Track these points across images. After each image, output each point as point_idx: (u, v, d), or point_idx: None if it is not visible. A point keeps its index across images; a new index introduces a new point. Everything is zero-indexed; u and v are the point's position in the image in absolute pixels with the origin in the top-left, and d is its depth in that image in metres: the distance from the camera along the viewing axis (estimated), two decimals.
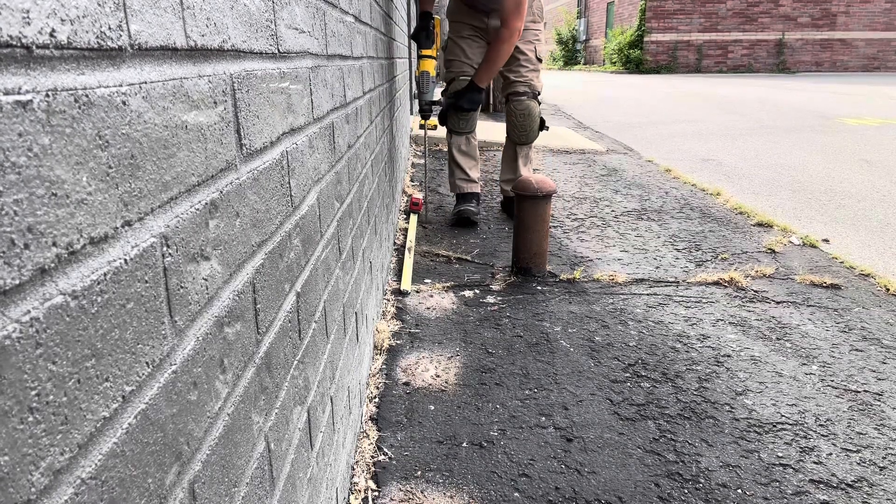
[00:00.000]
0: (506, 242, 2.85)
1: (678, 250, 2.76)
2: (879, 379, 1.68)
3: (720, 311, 2.12)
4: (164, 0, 0.45)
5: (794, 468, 1.33)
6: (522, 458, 1.36)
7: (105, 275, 0.37)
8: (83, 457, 0.35)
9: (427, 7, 3.00)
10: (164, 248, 0.45)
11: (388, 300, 2.22)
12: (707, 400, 1.58)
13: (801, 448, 1.39)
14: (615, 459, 1.36)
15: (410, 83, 5.46)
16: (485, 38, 3.07)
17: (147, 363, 0.42)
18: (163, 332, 0.45)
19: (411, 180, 4.27)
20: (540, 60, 3.08)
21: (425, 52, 2.96)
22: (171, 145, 0.46)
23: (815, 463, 1.34)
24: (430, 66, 2.96)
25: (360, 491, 1.25)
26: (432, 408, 1.55)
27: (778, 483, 1.28)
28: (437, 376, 1.70)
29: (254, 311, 0.64)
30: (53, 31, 0.32)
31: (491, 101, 8.27)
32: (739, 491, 1.26)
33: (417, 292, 2.30)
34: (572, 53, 31.17)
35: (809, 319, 2.05)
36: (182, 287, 0.48)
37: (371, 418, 1.51)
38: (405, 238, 2.90)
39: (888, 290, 2.27)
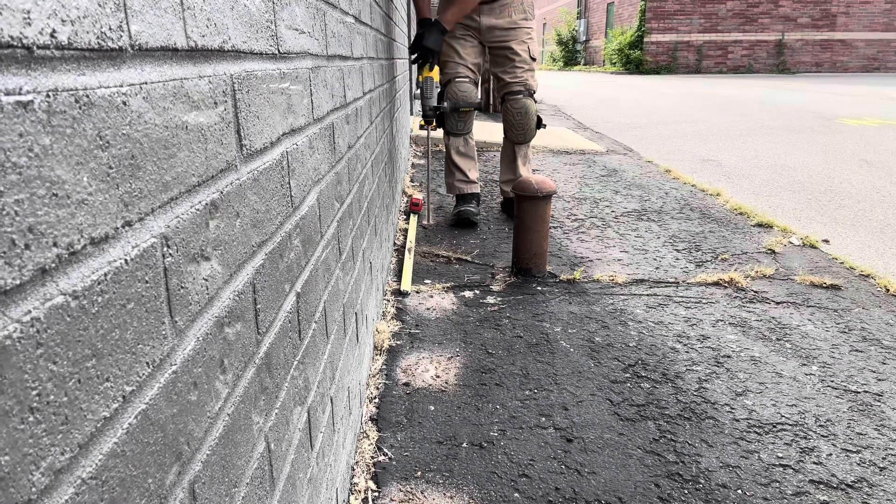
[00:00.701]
0: (506, 243, 2.85)
1: (678, 251, 2.77)
2: (879, 379, 1.68)
3: (720, 311, 2.12)
4: (164, 1, 0.45)
5: (794, 469, 1.33)
6: (522, 458, 1.36)
7: (105, 275, 0.37)
8: (84, 457, 0.35)
9: (425, 13, 2.94)
10: (165, 249, 0.45)
11: (388, 300, 2.22)
12: (707, 400, 1.58)
13: (801, 448, 1.39)
14: (615, 460, 1.36)
15: (410, 83, 5.46)
16: (478, 38, 3.06)
17: (147, 363, 0.42)
18: (163, 333, 0.45)
19: (411, 181, 4.27)
20: (534, 59, 3.07)
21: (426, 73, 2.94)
22: (172, 146, 0.46)
23: (815, 463, 1.34)
24: (435, 73, 2.95)
25: (360, 491, 1.25)
26: (432, 408, 1.55)
27: (778, 483, 1.28)
28: (437, 377, 1.70)
29: (254, 311, 0.64)
30: (54, 31, 0.32)
31: (490, 102, 8.27)
32: (739, 491, 1.26)
33: (417, 293, 2.30)
34: (572, 54, 31.18)
35: (809, 320, 2.05)
36: (182, 287, 0.48)
37: (371, 419, 1.51)
38: (405, 238, 2.90)
39: (888, 290, 2.27)
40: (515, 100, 3.03)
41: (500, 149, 3.58)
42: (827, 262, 2.59)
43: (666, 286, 2.36)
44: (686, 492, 1.26)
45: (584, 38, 30.40)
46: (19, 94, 0.30)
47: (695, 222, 3.21)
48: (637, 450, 1.39)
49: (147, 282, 0.42)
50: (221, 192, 0.56)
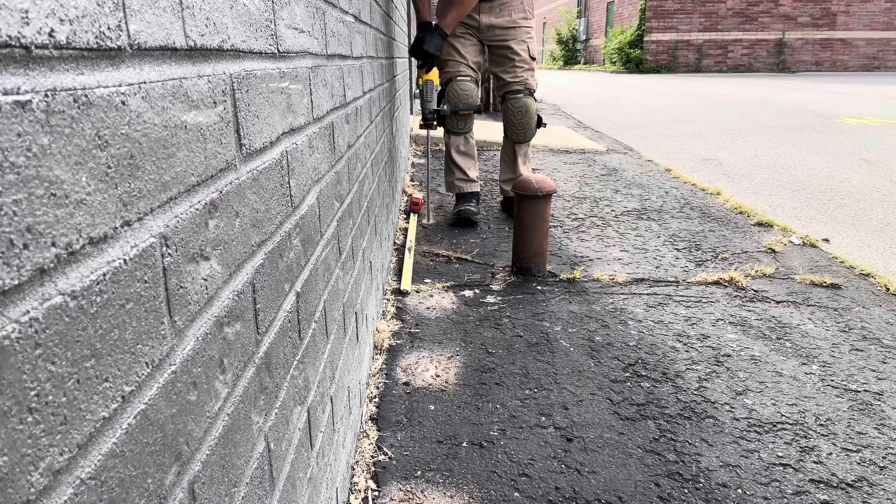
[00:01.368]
0: (506, 242, 2.85)
1: (678, 250, 2.76)
2: (879, 379, 1.68)
3: (720, 310, 2.12)
4: (163, 0, 0.45)
5: (794, 468, 1.33)
6: (522, 457, 1.36)
7: (104, 275, 0.37)
8: (83, 457, 0.35)
9: (425, 17, 2.92)
10: (164, 249, 0.45)
11: (388, 300, 2.22)
12: (707, 399, 1.58)
13: (801, 448, 1.39)
14: (615, 459, 1.35)
15: (410, 83, 5.46)
16: (477, 36, 3.06)
17: (146, 363, 0.42)
18: (162, 333, 0.45)
19: (411, 180, 4.27)
20: (533, 59, 3.06)
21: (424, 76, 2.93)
22: (171, 145, 0.46)
23: (815, 463, 1.34)
24: (434, 76, 2.95)
25: (360, 491, 1.25)
26: (432, 408, 1.55)
27: (778, 483, 1.28)
28: (437, 376, 1.70)
29: (253, 311, 0.64)
30: (52, 31, 0.32)
31: (490, 101, 8.27)
32: (739, 491, 1.26)
33: (417, 292, 2.30)
34: (572, 53, 31.17)
35: (809, 319, 2.05)
36: (182, 287, 0.48)
37: (371, 418, 1.51)
38: (405, 238, 2.90)
39: (888, 289, 2.27)
40: (516, 99, 3.03)
41: (500, 148, 3.57)
42: (827, 261, 2.59)
43: (666, 285, 2.35)
44: (686, 491, 1.26)
45: (584, 37, 30.38)
46: (17, 93, 0.30)
47: (695, 221, 3.21)
48: (637, 449, 1.39)
49: (146, 282, 0.42)
50: (221, 192, 0.56)
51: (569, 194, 3.84)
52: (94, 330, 0.36)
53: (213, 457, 0.53)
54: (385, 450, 1.38)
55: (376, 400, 1.58)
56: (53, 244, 0.33)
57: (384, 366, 1.76)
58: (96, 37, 0.37)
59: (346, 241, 1.27)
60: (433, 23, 2.85)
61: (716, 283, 2.36)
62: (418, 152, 5.47)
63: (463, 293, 2.28)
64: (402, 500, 1.23)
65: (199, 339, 0.51)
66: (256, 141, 0.66)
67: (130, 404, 0.40)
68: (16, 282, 0.30)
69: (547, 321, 2.04)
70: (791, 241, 2.83)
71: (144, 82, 0.42)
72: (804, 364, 1.76)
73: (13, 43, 0.30)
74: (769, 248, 2.74)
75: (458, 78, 3.03)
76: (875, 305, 2.15)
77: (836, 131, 6.46)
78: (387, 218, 2.36)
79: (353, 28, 1.42)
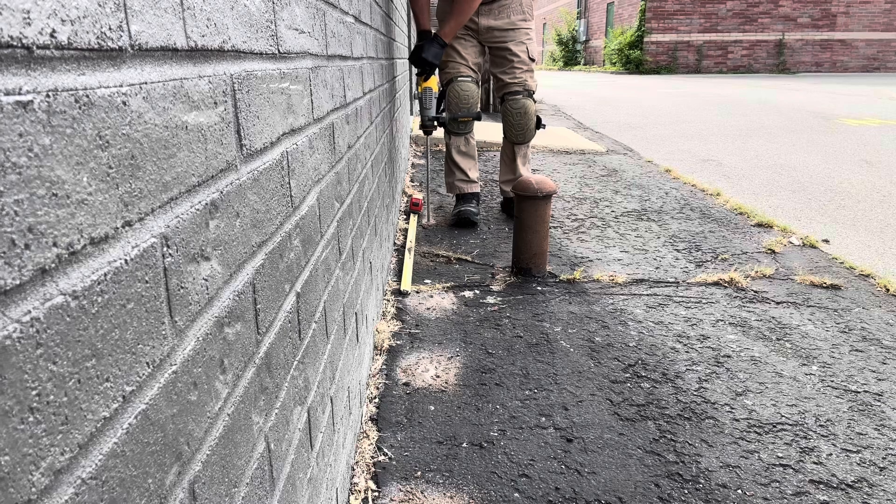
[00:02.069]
0: (506, 243, 2.85)
1: (678, 251, 2.77)
2: (879, 379, 1.68)
3: (720, 311, 2.12)
4: (164, 1, 0.45)
5: (794, 468, 1.33)
6: (522, 458, 1.36)
7: (105, 275, 0.37)
8: (83, 457, 0.35)
9: (425, 25, 2.92)
10: (165, 249, 0.45)
11: (388, 300, 2.22)
12: (707, 400, 1.58)
13: (801, 448, 1.39)
14: (615, 460, 1.35)
15: (410, 83, 5.46)
16: (477, 38, 3.07)
17: (147, 363, 0.42)
18: (163, 333, 0.45)
19: (411, 181, 4.27)
20: (532, 60, 3.07)
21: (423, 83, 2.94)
22: (172, 146, 0.46)
23: (815, 463, 1.34)
24: (433, 83, 2.95)
25: (360, 491, 1.25)
26: (432, 408, 1.55)
27: (778, 483, 1.28)
28: (437, 377, 1.70)
29: (254, 311, 0.64)
30: (54, 31, 0.32)
31: (490, 102, 8.27)
32: (739, 491, 1.26)
33: (417, 293, 2.30)
34: (572, 54, 31.19)
35: (809, 320, 2.05)
36: (182, 287, 0.48)
37: (371, 418, 1.51)
38: (405, 238, 2.90)
39: (888, 290, 2.27)
40: (514, 100, 3.03)
41: (500, 149, 3.58)
42: (827, 261, 2.59)
43: (666, 286, 2.36)
44: (686, 492, 1.26)
45: (584, 38, 30.40)
46: (19, 94, 0.30)
47: (695, 222, 3.21)
48: (637, 450, 1.39)
49: (147, 282, 0.42)
50: (221, 192, 0.56)
51: (569, 195, 3.84)
52: (95, 330, 0.36)
53: (213, 457, 0.53)
54: (385, 450, 1.38)
55: (376, 400, 1.58)
56: (55, 244, 0.33)
57: (384, 366, 1.76)
58: (98, 37, 0.37)
59: (347, 241, 1.27)
60: (432, 31, 2.87)
61: (716, 283, 2.36)
62: (418, 153, 5.47)
63: (463, 294, 2.28)
64: (402, 501, 1.23)
65: (200, 339, 0.51)
66: (257, 141, 0.66)
67: (131, 404, 0.40)
68: (17, 282, 0.30)
69: (547, 322, 2.04)
70: (791, 242, 2.83)
71: (145, 83, 0.43)
72: (804, 365, 1.76)
73: (15, 43, 0.30)
74: (769, 249, 2.74)
75: (459, 79, 3.04)
76: (875, 306, 2.15)
77: (836, 132, 6.46)
78: (387, 218, 2.37)
79: (354, 29, 1.42)
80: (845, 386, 1.65)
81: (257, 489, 0.64)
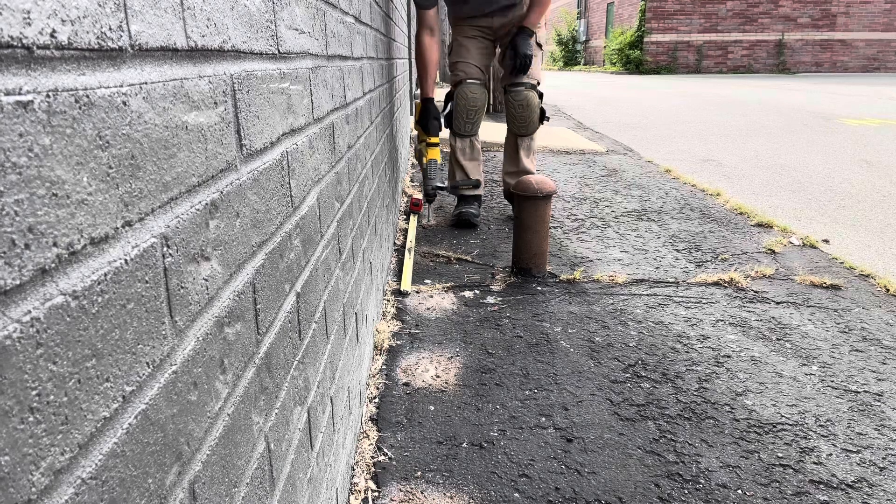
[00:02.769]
0: (506, 243, 2.85)
1: (678, 251, 2.77)
2: (879, 379, 1.68)
3: (720, 311, 2.12)
4: (164, 1, 0.45)
5: (794, 469, 1.33)
6: (522, 458, 1.36)
7: (105, 275, 0.37)
8: (83, 457, 0.35)
9: (429, 93, 2.95)
10: (165, 249, 0.45)
11: (388, 300, 2.22)
12: (707, 400, 1.58)
13: (801, 448, 1.39)
14: (615, 460, 1.36)
15: (410, 83, 5.46)
16: (490, 38, 3.08)
17: (147, 363, 0.42)
18: (163, 333, 0.45)
19: (411, 181, 4.27)
20: (540, 46, 3.05)
21: (432, 139, 2.94)
22: (172, 146, 0.46)
23: (815, 463, 1.34)
24: (437, 154, 2.97)
25: (360, 491, 1.25)
26: (432, 408, 1.55)
27: (778, 483, 1.28)
28: (437, 377, 1.70)
29: (254, 311, 0.64)
30: (54, 31, 0.32)
31: (491, 102, 8.25)
32: (739, 491, 1.26)
33: (417, 293, 2.30)
34: (572, 54, 31.19)
35: (809, 320, 2.05)
36: (182, 287, 0.48)
37: (371, 419, 1.51)
38: (405, 238, 2.90)
39: (888, 290, 2.27)
40: (517, 91, 3.01)
41: (500, 148, 3.58)
42: (827, 262, 2.59)
43: (666, 286, 2.36)
44: (686, 492, 1.26)
45: (584, 38, 30.40)
46: (19, 94, 0.30)
47: (695, 222, 3.21)
48: (637, 450, 1.39)
49: (147, 282, 0.42)
50: (221, 192, 0.56)
51: (569, 195, 3.84)
52: (95, 330, 0.36)
53: (213, 457, 0.53)
54: (385, 450, 1.38)
55: (376, 400, 1.58)
56: (55, 244, 0.33)
57: (384, 366, 1.76)
58: (98, 37, 0.37)
59: (347, 241, 1.27)
60: (434, 100, 2.96)
61: (716, 283, 2.36)
62: None
63: (463, 294, 2.28)
64: (402, 501, 1.23)
65: (200, 339, 0.51)
66: (257, 141, 0.66)
67: (131, 404, 0.40)
68: (17, 282, 0.30)
69: (547, 322, 2.04)
70: (791, 242, 2.83)
71: (145, 83, 0.43)
72: (804, 365, 1.76)
73: (15, 43, 0.30)
74: (769, 249, 2.74)
75: (469, 81, 3.04)
76: (875, 306, 2.15)
77: (836, 132, 6.46)
78: (387, 218, 2.37)
79: (354, 29, 1.42)
80: (845, 386, 1.65)
81: (257, 489, 0.64)
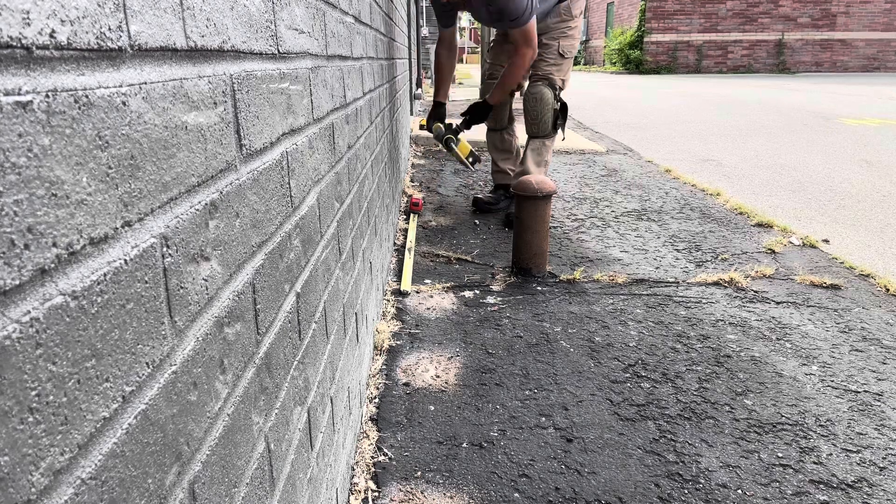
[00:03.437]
0: (506, 243, 2.85)
1: (678, 251, 2.76)
2: (879, 379, 1.68)
3: (720, 311, 2.12)
4: (164, 1, 0.45)
5: (794, 468, 1.33)
6: (522, 458, 1.36)
7: (105, 275, 0.37)
8: (83, 457, 0.35)
9: (440, 98, 3.20)
10: (164, 249, 0.45)
11: (388, 300, 2.22)
12: (707, 400, 1.58)
13: (801, 448, 1.39)
14: (615, 460, 1.35)
15: (410, 83, 5.46)
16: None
17: (147, 363, 0.42)
18: (163, 333, 0.45)
19: (411, 181, 4.27)
20: (563, 56, 3.09)
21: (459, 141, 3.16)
22: (171, 146, 0.46)
23: (815, 463, 1.34)
24: (464, 148, 3.18)
25: (360, 491, 1.25)
26: (432, 408, 1.55)
27: (778, 483, 1.28)
28: (437, 377, 1.70)
29: (254, 311, 0.64)
30: (53, 31, 0.32)
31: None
32: (739, 491, 1.26)
33: (417, 293, 2.30)
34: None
35: (809, 320, 2.05)
36: (182, 287, 0.48)
37: (371, 419, 1.51)
38: (405, 238, 2.90)
39: (888, 290, 2.27)
40: (533, 85, 3.11)
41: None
42: (827, 261, 2.59)
43: (666, 286, 2.35)
44: (686, 492, 1.26)
45: (584, 38, 30.40)
46: (19, 94, 0.30)
47: (695, 222, 3.21)
48: (637, 450, 1.39)
49: (146, 282, 0.42)
50: (221, 193, 0.56)
51: (569, 195, 3.84)
52: (94, 330, 0.36)
53: (213, 457, 0.53)
54: (385, 450, 1.38)
55: (376, 400, 1.58)
56: (54, 244, 0.33)
57: (384, 366, 1.76)
58: (97, 38, 0.37)
59: (346, 241, 1.27)
60: (484, 99, 3.14)
61: (716, 283, 2.36)
62: (418, 153, 5.47)
63: (463, 294, 2.28)
64: (402, 501, 1.23)
65: (200, 339, 0.51)
66: (257, 141, 0.66)
67: (131, 404, 0.40)
68: (17, 282, 0.30)
69: (547, 322, 2.04)
70: (791, 242, 2.83)
71: (145, 83, 0.43)
72: (804, 365, 1.76)
73: (14, 44, 0.30)
74: (769, 249, 2.74)
75: (488, 81, 3.25)
76: (875, 306, 2.15)
77: (836, 132, 6.46)
78: (387, 218, 2.37)
79: (354, 29, 1.42)
80: (845, 386, 1.65)
81: (257, 489, 0.64)
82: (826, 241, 2.88)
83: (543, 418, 1.51)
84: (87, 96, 0.36)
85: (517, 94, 3.42)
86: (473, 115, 3.10)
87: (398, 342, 1.90)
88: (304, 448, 0.86)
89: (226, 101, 0.58)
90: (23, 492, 0.30)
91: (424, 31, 12.76)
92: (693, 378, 1.69)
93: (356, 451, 1.36)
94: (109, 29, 0.38)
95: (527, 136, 3.19)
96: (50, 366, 0.32)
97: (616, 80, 18.21)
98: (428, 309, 2.15)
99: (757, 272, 2.45)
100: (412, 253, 2.69)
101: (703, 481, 1.29)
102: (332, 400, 1.07)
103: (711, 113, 8.55)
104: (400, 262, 2.61)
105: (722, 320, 2.05)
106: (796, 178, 4.31)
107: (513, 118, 3.42)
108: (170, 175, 0.46)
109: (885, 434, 1.44)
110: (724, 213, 3.36)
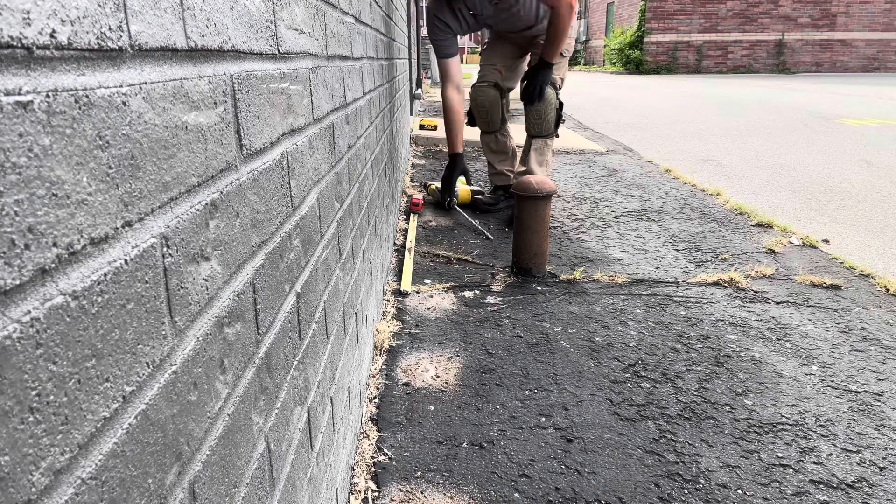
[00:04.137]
0: (506, 243, 2.85)
1: (678, 251, 2.76)
2: (879, 379, 1.68)
3: (720, 311, 2.12)
4: (164, 1, 0.45)
5: (794, 468, 1.33)
6: (522, 458, 1.36)
7: (105, 275, 0.37)
8: (83, 457, 0.35)
9: (457, 148, 3.13)
10: (165, 249, 0.45)
11: (388, 300, 2.22)
12: (707, 400, 1.58)
13: (801, 448, 1.39)
14: (615, 460, 1.35)
15: (410, 83, 5.46)
16: (521, 43, 3.22)
17: (147, 363, 0.42)
18: (163, 333, 0.45)
19: (411, 181, 4.27)
20: (562, 55, 3.09)
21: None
22: (172, 146, 0.46)
23: (815, 463, 1.34)
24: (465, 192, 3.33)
25: (360, 491, 1.25)
26: (432, 408, 1.55)
27: (778, 483, 1.28)
28: (437, 377, 1.70)
29: (254, 311, 0.64)
30: (54, 31, 0.32)
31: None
32: (739, 491, 1.26)
33: (417, 293, 2.30)
34: (572, 54, 31.17)
35: (809, 320, 2.05)
36: (182, 287, 0.48)
37: (371, 419, 1.51)
38: (405, 238, 2.90)
39: (888, 290, 2.27)
40: None
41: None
42: (827, 261, 2.59)
43: (666, 286, 2.35)
44: (686, 492, 1.26)
45: (584, 38, 30.40)
46: (19, 94, 0.30)
47: (695, 222, 3.21)
48: (637, 450, 1.39)
49: (147, 282, 0.42)
50: (221, 193, 0.56)
51: (569, 195, 3.84)
52: (95, 330, 0.36)
53: (213, 457, 0.53)
54: (385, 450, 1.38)
55: (376, 400, 1.58)
56: (55, 244, 0.33)
57: (384, 366, 1.76)
58: (97, 38, 0.37)
59: (347, 241, 1.27)
60: (541, 57, 3.00)
61: (716, 283, 2.36)
62: (418, 153, 5.47)
63: (463, 294, 2.28)
64: (402, 501, 1.23)
65: (200, 339, 0.51)
66: (257, 141, 0.66)
67: (131, 404, 0.40)
68: (17, 282, 0.30)
69: (547, 322, 2.04)
70: (791, 242, 2.83)
71: (145, 83, 0.43)
72: (804, 365, 1.76)
73: (15, 44, 0.30)
74: (769, 249, 2.74)
75: (478, 84, 3.25)
76: (875, 306, 2.15)
77: (836, 132, 6.46)
78: (387, 219, 2.37)
79: (354, 29, 1.42)
80: (845, 386, 1.65)
81: (257, 489, 0.64)
82: (826, 241, 2.88)
83: (543, 418, 1.51)
84: (87, 96, 0.36)
85: (511, 95, 3.43)
86: (533, 80, 2.91)
87: (398, 342, 1.90)
88: (304, 448, 0.86)
89: (226, 101, 0.58)
90: (23, 491, 0.30)
91: (424, 31, 12.76)
92: (693, 378, 1.69)
93: (356, 451, 1.36)
94: (110, 29, 0.38)
95: (527, 136, 3.18)
96: (50, 366, 0.32)
97: (616, 81, 18.21)
98: (428, 309, 2.15)
99: (757, 272, 2.45)
100: (412, 253, 2.69)
101: (703, 481, 1.29)
102: (332, 400, 1.07)
103: (711, 113, 8.55)
104: (400, 262, 2.61)
105: (722, 320, 2.05)
106: (796, 178, 4.31)
107: (506, 119, 3.38)
108: (170, 175, 0.46)
109: (885, 434, 1.44)
110: (724, 213, 3.36)
